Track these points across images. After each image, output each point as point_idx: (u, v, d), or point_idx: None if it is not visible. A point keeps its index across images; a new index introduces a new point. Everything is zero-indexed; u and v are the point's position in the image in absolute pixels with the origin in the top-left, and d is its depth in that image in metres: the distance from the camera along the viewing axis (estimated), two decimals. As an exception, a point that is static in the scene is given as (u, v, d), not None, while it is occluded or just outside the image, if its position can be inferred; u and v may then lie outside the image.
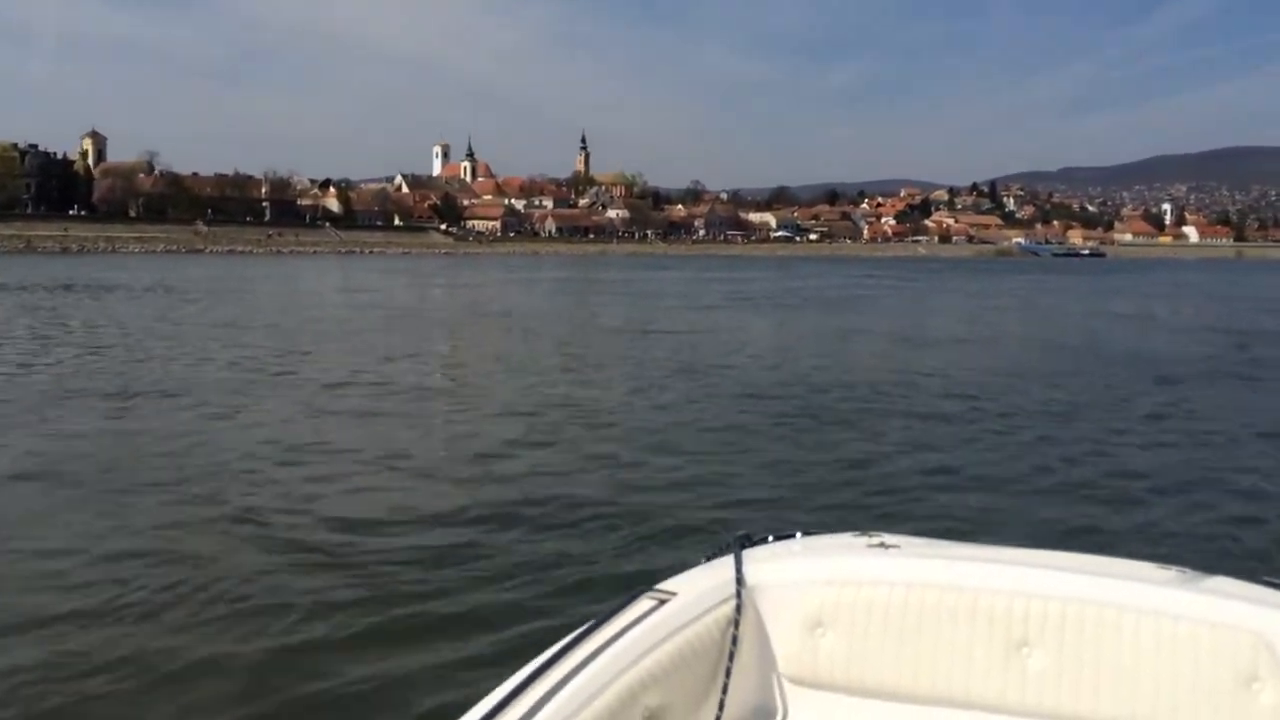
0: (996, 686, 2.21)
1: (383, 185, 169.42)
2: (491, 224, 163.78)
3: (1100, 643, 2.18)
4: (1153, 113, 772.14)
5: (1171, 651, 2.12)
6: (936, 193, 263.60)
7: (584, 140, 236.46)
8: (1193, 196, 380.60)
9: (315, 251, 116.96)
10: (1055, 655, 2.20)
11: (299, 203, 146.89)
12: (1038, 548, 2.54)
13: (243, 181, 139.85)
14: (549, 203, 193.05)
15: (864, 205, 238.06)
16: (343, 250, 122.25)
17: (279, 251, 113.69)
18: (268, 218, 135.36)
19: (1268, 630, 2.07)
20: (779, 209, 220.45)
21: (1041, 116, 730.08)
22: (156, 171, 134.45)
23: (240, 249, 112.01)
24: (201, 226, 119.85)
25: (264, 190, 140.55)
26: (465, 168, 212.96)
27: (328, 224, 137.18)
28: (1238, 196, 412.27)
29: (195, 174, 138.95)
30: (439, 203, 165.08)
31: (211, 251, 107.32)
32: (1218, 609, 2.14)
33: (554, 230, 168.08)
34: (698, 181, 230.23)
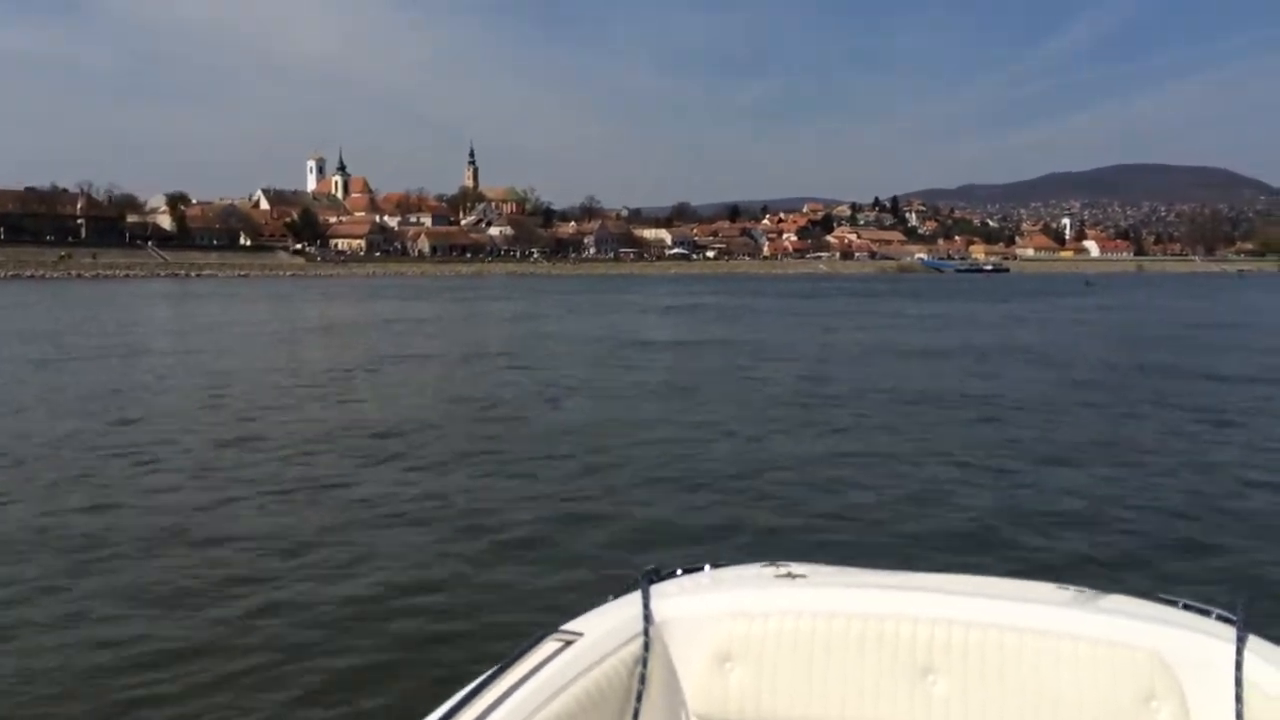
0: (903, 713, 2.25)
1: (230, 202, 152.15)
2: (356, 242, 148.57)
3: (1003, 666, 2.19)
4: (1047, 132, 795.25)
5: (1072, 672, 2.14)
6: (839, 208, 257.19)
7: (472, 154, 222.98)
8: (1087, 212, 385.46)
9: (127, 275, 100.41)
10: (960, 680, 2.21)
11: (128, 220, 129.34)
12: (941, 572, 2.61)
13: (53, 196, 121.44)
14: (428, 220, 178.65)
15: (765, 221, 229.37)
16: (163, 273, 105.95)
17: (79, 275, 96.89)
18: (84, 236, 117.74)
19: (1163, 648, 2.12)
20: (678, 226, 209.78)
21: (942, 135, 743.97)
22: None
23: (30, 273, 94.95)
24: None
25: (80, 206, 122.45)
26: (337, 182, 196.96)
27: (150, 244, 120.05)
28: (1129, 212, 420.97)
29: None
30: (296, 220, 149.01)
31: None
32: (1115, 628, 2.18)
33: (427, 249, 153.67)
34: (593, 197, 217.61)
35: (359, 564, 6.84)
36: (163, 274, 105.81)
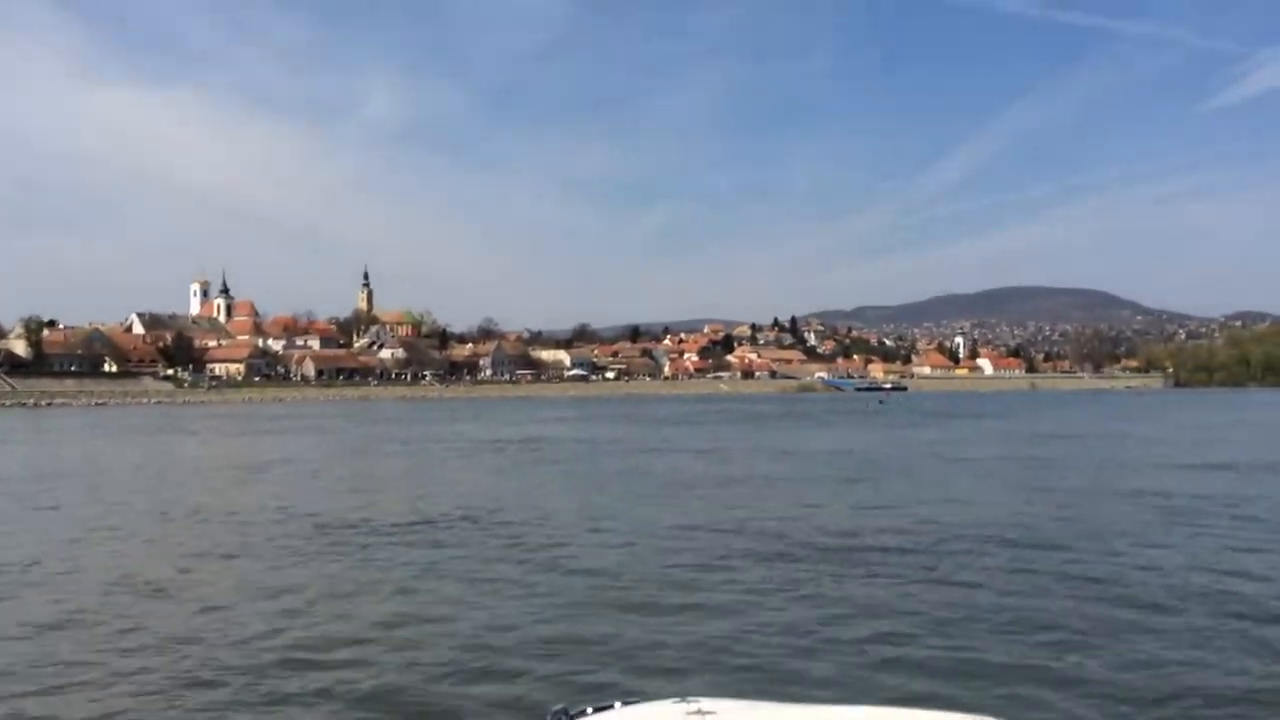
0: None
1: (96, 326, 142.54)
2: (235, 367, 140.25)
3: None
4: (936, 257, 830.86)
5: None
6: (739, 328, 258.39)
7: (366, 277, 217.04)
8: (976, 332, 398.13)
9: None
10: None
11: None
12: (846, 704, 2.63)
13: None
14: (315, 343, 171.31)
15: (666, 342, 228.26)
16: (8, 403, 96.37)
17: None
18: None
19: None
20: (579, 347, 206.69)
21: (836, 259, 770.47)
22: None
23: None
24: None
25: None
26: (219, 305, 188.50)
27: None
28: (1015, 331, 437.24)
29: None
30: (169, 344, 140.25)
31: None
32: None
33: (313, 373, 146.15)
34: (490, 319, 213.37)
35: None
36: (7, 403, 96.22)
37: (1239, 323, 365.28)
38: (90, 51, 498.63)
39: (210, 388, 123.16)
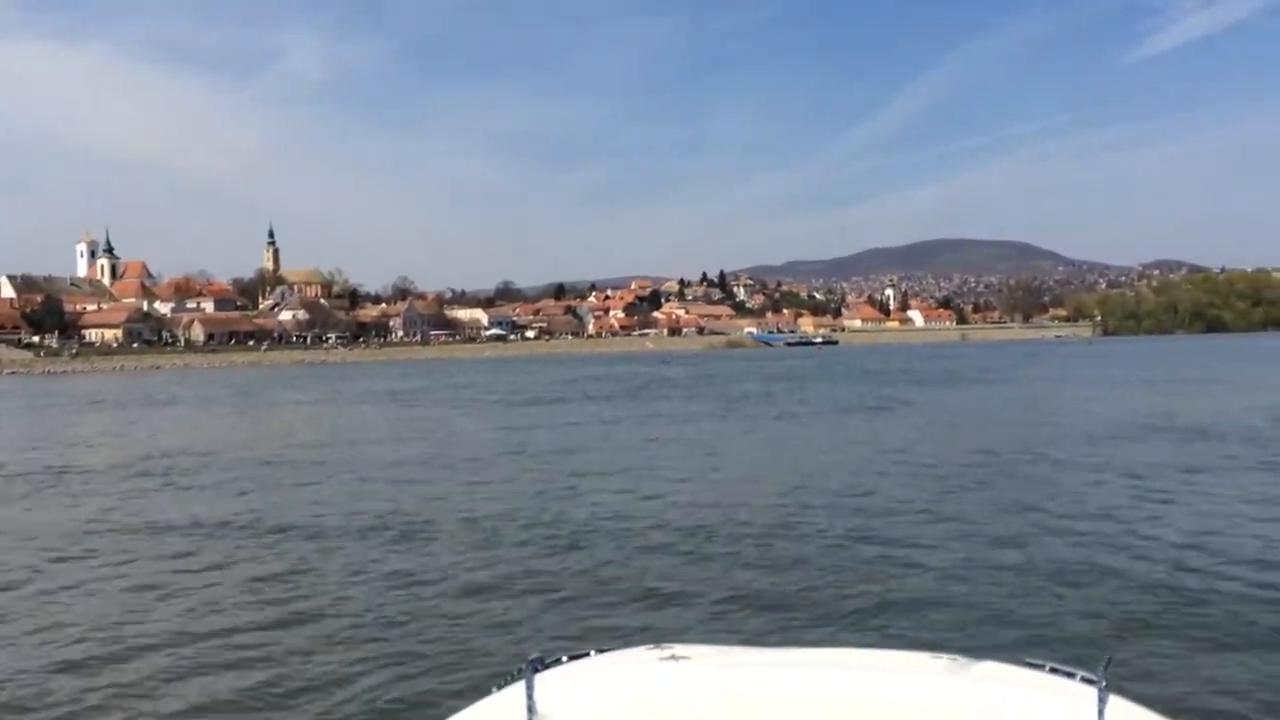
0: None
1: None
2: (112, 332, 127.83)
3: None
4: (863, 211, 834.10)
5: None
6: (667, 284, 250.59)
7: (272, 235, 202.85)
8: (904, 285, 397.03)
9: None
10: None
11: None
12: (820, 646, 2.71)
13: None
14: (210, 305, 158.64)
15: (592, 299, 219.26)
16: None
17: None
18: None
19: (1030, 713, 2.18)
20: (500, 306, 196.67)
21: (766, 214, 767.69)
22: None
23: None
24: None
25: None
26: (103, 266, 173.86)
27: None
28: (942, 284, 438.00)
29: None
30: (38, 309, 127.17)
31: None
32: (985, 695, 2.24)
33: (202, 337, 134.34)
34: (405, 278, 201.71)
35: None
36: None
37: (1156, 271, 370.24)
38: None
39: (74, 355, 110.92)
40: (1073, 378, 48.78)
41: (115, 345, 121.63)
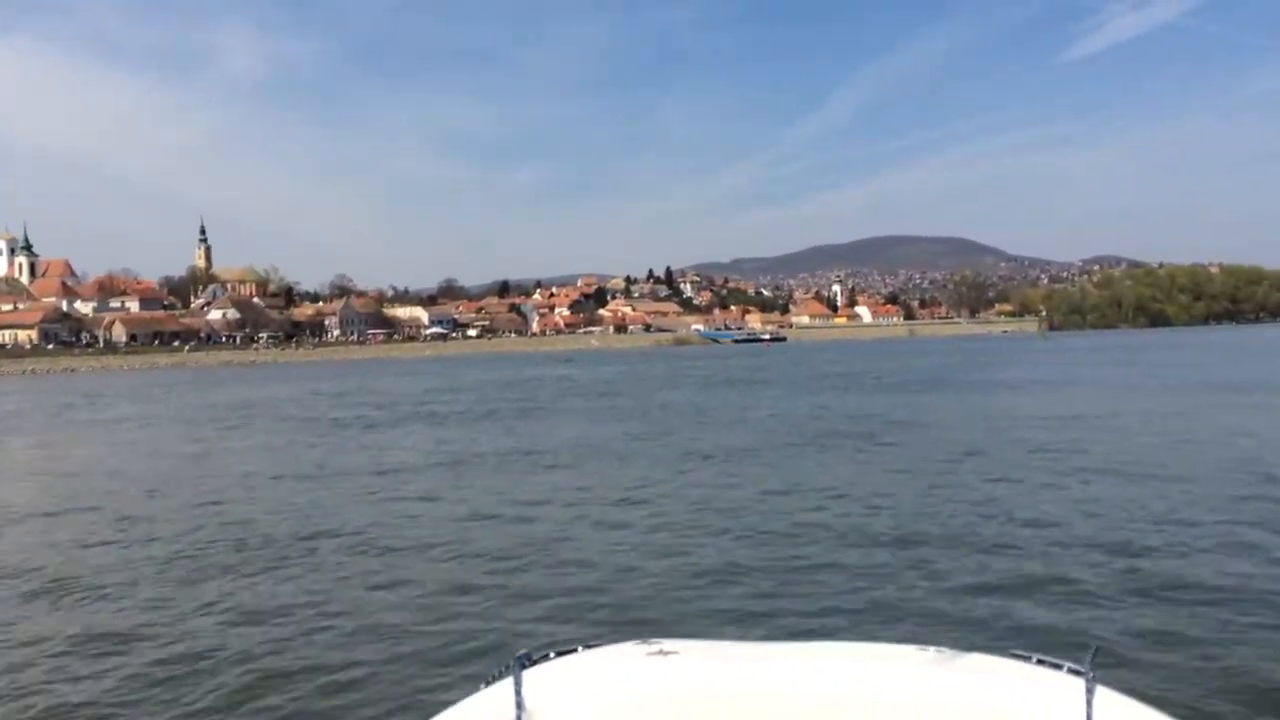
0: None
1: None
2: (25, 334, 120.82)
3: None
4: (808, 208, 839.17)
5: None
6: (613, 281, 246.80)
7: (203, 231, 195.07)
8: (850, 282, 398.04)
9: None
10: None
11: None
12: (807, 639, 2.74)
13: None
14: (135, 305, 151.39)
15: (536, 296, 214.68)
16: None
17: None
18: None
19: (1017, 705, 2.18)
20: (442, 304, 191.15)
21: (712, 212, 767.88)
22: None
23: None
24: None
25: None
26: (21, 264, 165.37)
27: None
28: (888, 280, 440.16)
29: None
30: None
31: None
32: (972, 686, 2.25)
33: (123, 338, 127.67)
34: (344, 275, 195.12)
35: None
36: None
37: (1097, 267, 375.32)
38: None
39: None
40: (1075, 380, 39.06)
41: (29, 347, 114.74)
